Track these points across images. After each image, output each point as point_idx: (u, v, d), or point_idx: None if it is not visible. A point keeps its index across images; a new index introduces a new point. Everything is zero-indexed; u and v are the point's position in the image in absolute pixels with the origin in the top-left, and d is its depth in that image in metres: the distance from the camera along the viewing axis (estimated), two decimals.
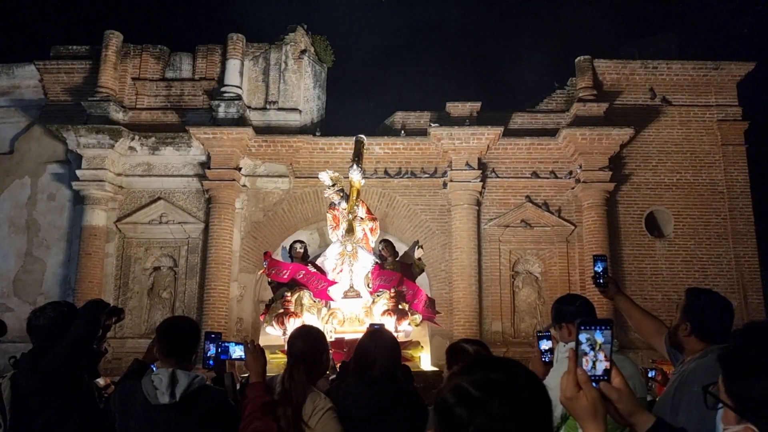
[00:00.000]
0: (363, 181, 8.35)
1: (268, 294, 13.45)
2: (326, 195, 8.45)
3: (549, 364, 3.24)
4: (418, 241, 8.58)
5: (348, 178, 8.27)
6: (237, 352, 3.14)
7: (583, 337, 1.41)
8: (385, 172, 12.84)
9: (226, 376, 3.19)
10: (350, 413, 2.79)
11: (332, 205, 8.36)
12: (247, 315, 12.94)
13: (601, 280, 3.20)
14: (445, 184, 12.78)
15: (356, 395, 2.88)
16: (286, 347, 3.08)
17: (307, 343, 2.92)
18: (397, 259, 7.99)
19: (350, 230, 7.91)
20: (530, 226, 12.68)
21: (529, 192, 12.86)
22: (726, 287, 12.21)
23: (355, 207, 8.08)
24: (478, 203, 12.74)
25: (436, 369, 7.39)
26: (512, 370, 1.24)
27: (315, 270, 7.75)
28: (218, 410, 2.76)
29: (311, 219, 13.25)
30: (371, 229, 8.28)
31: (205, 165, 12.82)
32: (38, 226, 12.96)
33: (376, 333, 3.18)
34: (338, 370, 3.58)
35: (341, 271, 7.80)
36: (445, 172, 12.81)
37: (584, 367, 1.39)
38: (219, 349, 3.13)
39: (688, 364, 2.58)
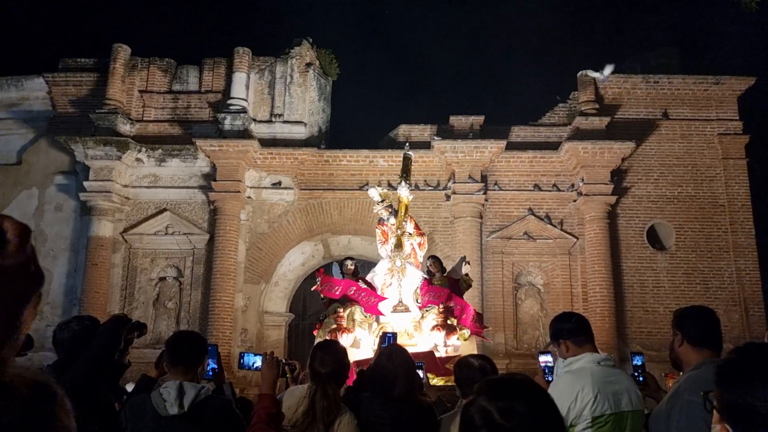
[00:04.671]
0: (411, 197, 8.54)
1: (273, 305, 13.71)
2: (375, 211, 8.69)
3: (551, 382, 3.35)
4: (465, 257, 8.79)
5: (396, 191, 8.54)
6: (257, 362, 3.27)
7: None
8: (389, 185, 12.94)
9: (225, 387, 3.33)
10: (373, 428, 3.01)
11: (381, 221, 8.58)
12: (251, 325, 13.03)
13: (641, 378, 3.28)
14: (448, 197, 12.88)
15: (379, 412, 3.05)
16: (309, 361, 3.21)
17: (337, 360, 3.11)
18: (444, 274, 8.16)
19: (399, 245, 8.11)
20: (532, 238, 12.76)
21: (532, 205, 12.94)
22: (727, 300, 12.27)
23: (404, 222, 8.30)
24: (481, 215, 12.82)
25: None
26: (537, 401, 1.35)
27: (365, 286, 7.98)
28: (225, 418, 2.90)
29: (315, 231, 13.36)
30: (419, 244, 8.47)
31: (211, 177, 12.95)
32: (45, 237, 13.08)
33: (393, 353, 3.24)
34: (355, 377, 3.70)
35: (390, 285, 8.00)
36: (448, 185, 12.92)
37: None
38: (211, 360, 3.25)
39: (683, 376, 2.69)
